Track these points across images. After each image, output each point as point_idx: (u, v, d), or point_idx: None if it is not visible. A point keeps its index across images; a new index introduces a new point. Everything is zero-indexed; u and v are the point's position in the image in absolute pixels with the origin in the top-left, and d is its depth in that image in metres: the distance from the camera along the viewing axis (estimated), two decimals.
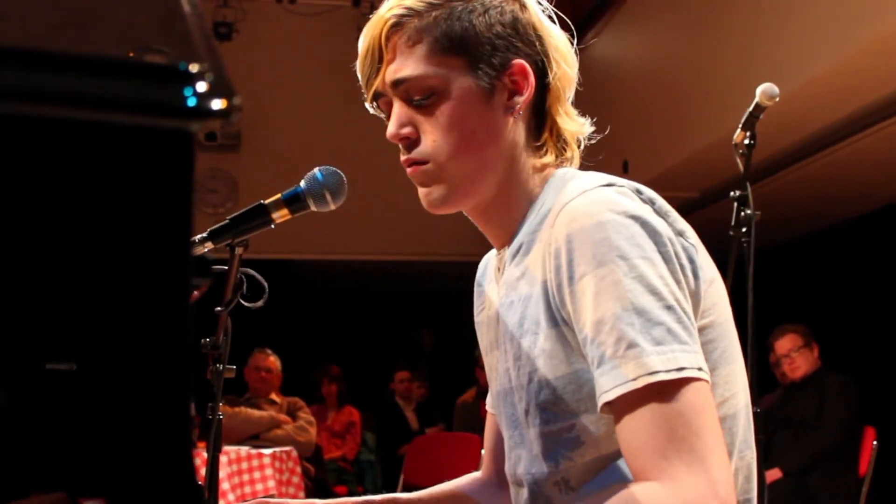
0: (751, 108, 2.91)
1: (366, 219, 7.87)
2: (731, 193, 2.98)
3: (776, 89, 2.86)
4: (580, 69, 1.33)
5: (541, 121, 1.31)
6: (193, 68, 0.62)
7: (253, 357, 5.76)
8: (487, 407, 1.52)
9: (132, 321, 0.62)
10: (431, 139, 1.26)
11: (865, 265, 7.26)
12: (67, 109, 0.60)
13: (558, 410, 1.19)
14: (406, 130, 1.28)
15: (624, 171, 6.86)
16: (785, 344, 5.17)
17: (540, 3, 1.33)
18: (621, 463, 1.17)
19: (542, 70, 1.29)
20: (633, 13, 7.01)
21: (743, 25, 5.70)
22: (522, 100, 1.27)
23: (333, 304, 10.13)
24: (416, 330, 9.66)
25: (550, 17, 1.33)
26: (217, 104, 0.63)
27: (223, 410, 5.30)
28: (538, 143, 1.31)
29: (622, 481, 1.17)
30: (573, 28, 1.35)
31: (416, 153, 1.28)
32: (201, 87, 0.62)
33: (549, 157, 1.30)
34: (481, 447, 1.66)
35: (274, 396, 5.71)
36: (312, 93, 8.08)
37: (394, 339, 9.91)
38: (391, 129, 1.28)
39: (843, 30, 4.73)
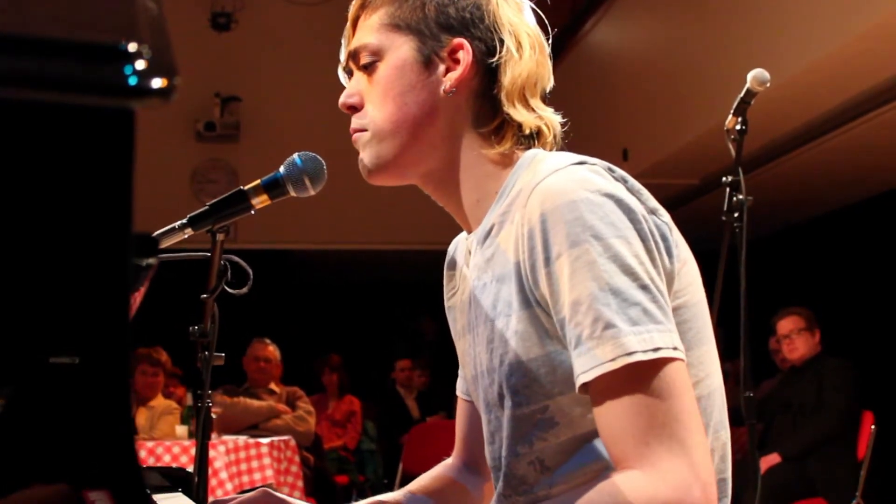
0: (742, 94, 2.90)
1: (366, 208, 7.87)
2: (724, 179, 2.98)
3: (767, 75, 2.85)
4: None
5: (491, 108, 1.29)
6: (132, 47, 0.62)
7: (251, 347, 5.77)
8: (459, 393, 1.51)
9: (67, 308, 0.61)
10: (371, 106, 1.30)
11: (864, 251, 7.25)
12: (2, 89, 0.59)
13: (531, 393, 1.19)
14: (352, 100, 1.32)
15: (624, 158, 6.84)
16: (787, 325, 5.14)
17: None
18: (597, 443, 1.17)
19: (493, 57, 1.28)
20: (633, 0, 6.98)
21: (742, 12, 5.68)
22: (455, 76, 1.27)
23: (334, 293, 10.12)
24: (416, 318, 9.65)
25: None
26: (157, 83, 0.62)
27: (222, 400, 5.32)
28: (488, 129, 1.28)
29: (598, 461, 1.17)
30: (549, 27, 1.34)
31: (357, 119, 1.32)
32: (140, 65, 0.62)
33: (505, 146, 1.28)
34: None
35: (273, 386, 5.72)
36: (311, 82, 8.05)
37: (395, 328, 9.90)
38: (340, 98, 1.32)
39: (841, 16, 4.71)
